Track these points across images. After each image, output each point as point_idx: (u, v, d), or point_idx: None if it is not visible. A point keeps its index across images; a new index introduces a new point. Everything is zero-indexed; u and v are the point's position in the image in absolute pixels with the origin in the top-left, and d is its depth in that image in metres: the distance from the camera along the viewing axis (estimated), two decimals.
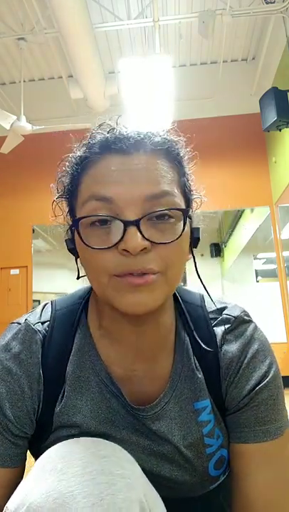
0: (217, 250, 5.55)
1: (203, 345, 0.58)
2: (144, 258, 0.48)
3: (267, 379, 0.57)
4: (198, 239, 0.57)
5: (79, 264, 0.56)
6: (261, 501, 0.54)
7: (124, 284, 0.48)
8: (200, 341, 0.59)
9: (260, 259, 5.74)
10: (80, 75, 4.19)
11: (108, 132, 0.55)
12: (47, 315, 0.61)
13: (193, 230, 0.57)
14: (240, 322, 0.61)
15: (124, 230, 0.47)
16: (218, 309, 0.63)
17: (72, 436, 0.55)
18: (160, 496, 0.52)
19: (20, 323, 0.60)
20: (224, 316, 0.61)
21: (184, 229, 0.50)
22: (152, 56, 3.63)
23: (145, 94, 3.88)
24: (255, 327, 0.61)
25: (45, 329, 0.59)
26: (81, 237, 0.50)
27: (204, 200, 0.61)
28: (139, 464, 0.55)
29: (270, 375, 0.58)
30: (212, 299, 0.64)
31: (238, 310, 0.62)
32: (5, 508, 0.45)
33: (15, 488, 0.48)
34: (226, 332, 0.60)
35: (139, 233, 0.47)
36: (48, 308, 0.63)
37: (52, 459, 0.46)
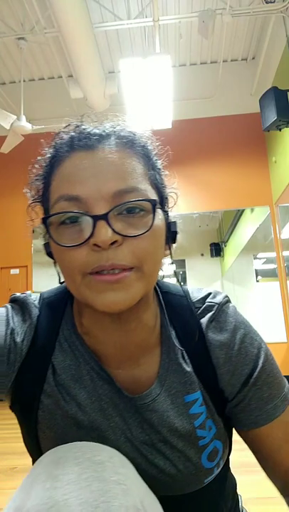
0: (217, 250, 5.55)
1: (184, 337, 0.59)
2: (116, 253, 0.47)
3: (261, 360, 0.58)
4: (176, 232, 0.57)
5: (59, 269, 0.55)
6: None
7: (97, 282, 0.48)
8: (181, 335, 0.59)
9: (260, 258, 5.74)
10: (80, 74, 4.19)
11: (74, 131, 0.54)
12: (37, 300, 0.62)
13: (170, 225, 0.56)
14: (222, 308, 0.61)
15: (94, 225, 0.46)
16: (201, 298, 0.62)
17: (69, 423, 0.56)
18: (157, 496, 0.52)
19: (22, 295, 0.62)
20: (207, 303, 0.61)
21: (153, 220, 0.49)
22: (152, 56, 3.63)
23: (145, 93, 3.88)
24: (236, 311, 0.62)
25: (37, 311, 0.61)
26: (51, 237, 0.49)
27: (177, 196, 0.60)
28: (133, 454, 0.56)
29: (262, 355, 0.59)
30: (181, 285, 0.65)
31: (219, 297, 0.62)
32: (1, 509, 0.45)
33: None
34: (209, 320, 0.60)
35: (108, 226, 0.46)
36: (37, 296, 0.63)
37: (47, 465, 0.46)
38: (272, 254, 4.88)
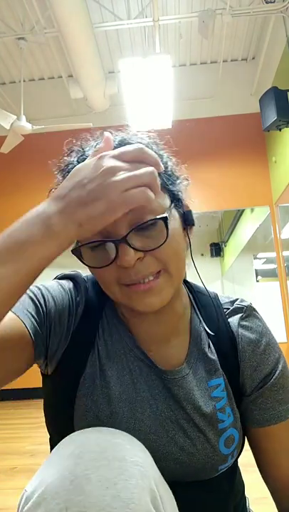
0: (217, 250, 5.55)
1: (210, 331, 0.65)
2: (142, 266, 0.53)
3: (280, 365, 0.66)
4: (193, 220, 0.61)
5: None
6: None
7: (133, 292, 0.55)
8: (208, 327, 0.66)
9: (260, 258, 5.75)
10: (80, 74, 4.19)
11: (77, 160, 0.58)
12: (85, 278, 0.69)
13: (185, 215, 0.60)
14: (252, 311, 0.69)
15: (117, 248, 0.52)
16: (230, 301, 0.70)
17: (102, 393, 0.59)
18: (168, 480, 0.54)
19: (74, 273, 0.69)
20: (236, 305, 0.69)
21: (167, 233, 0.53)
22: (152, 56, 3.63)
23: (145, 93, 3.89)
24: (261, 317, 0.70)
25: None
26: (83, 261, 0.55)
27: (189, 182, 0.63)
28: (156, 428, 0.60)
29: (282, 361, 0.66)
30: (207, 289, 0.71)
31: (246, 301, 0.71)
32: (23, 490, 0.47)
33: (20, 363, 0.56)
34: (241, 318, 0.67)
35: (129, 247, 0.51)
36: (86, 275, 0.70)
37: (69, 445, 0.48)
38: (272, 254, 4.88)
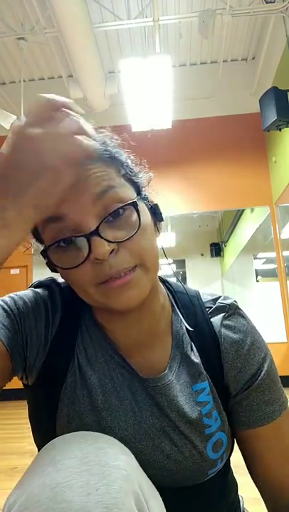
0: (217, 250, 5.55)
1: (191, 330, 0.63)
2: (116, 259, 0.51)
3: (266, 364, 0.63)
4: (161, 214, 0.60)
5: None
6: (281, 470, 0.62)
7: (110, 289, 0.52)
8: (195, 327, 0.64)
9: (260, 258, 5.75)
10: (80, 74, 4.19)
11: None
12: (62, 284, 0.67)
13: (153, 208, 0.59)
14: (235, 310, 0.66)
15: (89, 242, 0.49)
16: (212, 299, 0.67)
17: (85, 402, 0.58)
18: (159, 486, 0.53)
19: (48, 279, 0.67)
20: (218, 304, 0.66)
21: (139, 219, 0.52)
22: (152, 56, 3.63)
23: (145, 93, 3.88)
24: (245, 314, 0.67)
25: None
26: (53, 263, 0.53)
27: (151, 175, 0.62)
28: (141, 436, 0.58)
29: (268, 360, 0.64)
30: (184, 286, 0.69)
31: (229, 299, 0.67)
32: (6, 499, 0.46)
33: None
34: (224, 318, 0.64)
35: (103, 240, 0.49)
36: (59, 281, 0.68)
37: (50, 452, 0.47)
38: (272, 254, 4.88)
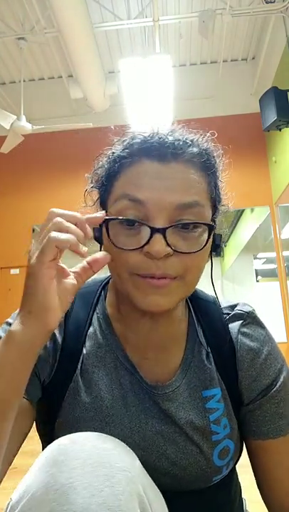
0: None
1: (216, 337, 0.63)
2: (166, 263, 0.51)
3: (282, 376, 0.62)
4: (219, 246, 0.59)
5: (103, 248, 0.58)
6: (288, 486, 0.61)
7: (144, 284, 0.52)
8: (207, 334, 0.63)
9: (260, 258, 5.75)
10: (80, 74, 4.19)
11: (149, 135, 0.55)
12: None
13: (215, 237, 0.58)
14: (253, 318, 0.65)
15: (151, 236, 0.50)
16: (230, 306, 0.67)
17: (84, 413, 0.57)
18: (162, 490, 0.52)
19: None
20: (237, 311, 0.65)
21: (207, 242, 0.53)
22: (152, 56, 3.63)
23: (145, 93, 3.89)
24: (263, 323, 0.66)
25: None
26: (109, 236, 0.52)
27: (230, 209, 0.64)
28: (145, 442, 0.58)
29: (284, 372, 0.63)
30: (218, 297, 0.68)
31: (248, 307, 0.67)
32: (9, 498, 0.46)
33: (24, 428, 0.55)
34: (242, 325, 0.64)
35: (164, 240, 0.50)
36: None
37: (54, 452, 0.47)
38: (272, 254, 4.88)
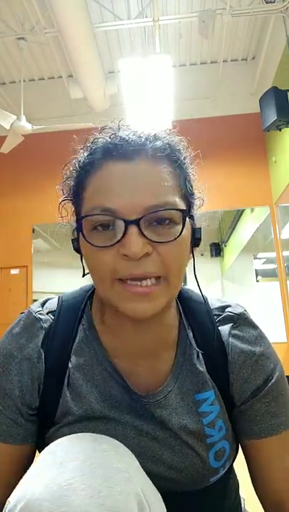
0: (217, 250, 5.54)
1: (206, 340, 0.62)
2: (145, 262, 0.50)
3: (275, 376, 0.61)
4: (200, 239, 0.59)
5: (84, 263, 0.57)
6: (281, 484, 0.60)
7: (127, 292, 0.51)
8: (197, 336, 0.63)
9: (260, 258, 5.74)
10: (80, 74, 4.19)
11: (110, 137, 0.55)
12: (53, 305, 0.65)
13: (194, 231, 0.58)
14: (245, 319, 0.64)
15: (125, 230, 0.49)
16: (220, 307, 0.65)
17: (76, 423, 0.57)
18: (160, 491, 0.52)
19: (24, 312, 0.64)
20: (227, 313, 0.64)
21: (182, 229, 0.52)
22: (152, 56, 3.63)
23: (145, 93, 3.88)
24: (255, 324, 0.65)
25: (50, 318, 0.62)
26: (84, 236, 0.52)
27: (205, 201, 0.62)
28: (141, 449, 0.57)
29: (277, 372, 0.62)
30: (204, 295, 0.67)
31: (239, 308, 0.65)
32: (7, 501, 0.46)
33: (21, 466, 0.54)
34: (233, 327, 0.63)
35: (139, 237, 0.48)
36: (55, 299, 0.66)
37: (53, 453, 0.47)
38: (272, 254, 4.88)
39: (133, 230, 0.49)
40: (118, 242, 0.49)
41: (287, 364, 4.29)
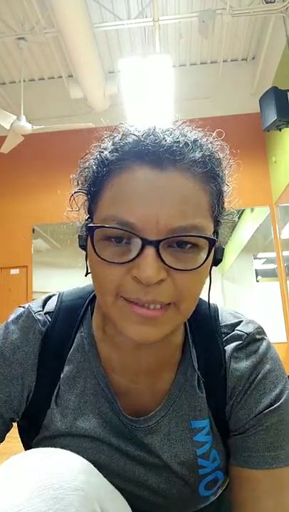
0: None
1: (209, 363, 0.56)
2: (158, 289, 0.43)
3: (278, 402, 0.53)
4: (221, 260, 0.51)
5: (88, 263, 0.51)
6: None
7: (131, 312, 0.45)
8: (206, 358, 0.56)
9: (260, 258, 5.74)
10: (80, 74, 4.19)
11: (142, 135, 0.46)
12: (52, 306, 0.59)
13: (216, 250, 0.49)
14: (252, 340, 0.56)
15: (142, 249, 0.42)
16: (231, 324, 0.57)
17: (60, 437, 0.55)
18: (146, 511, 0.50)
19: (24, 308, 0.59)
20: (236, 332, 0.56)
21: (207, 258, 0.45)
22: (152, 56, 3.63)
23: (145, 93, 3.88)
24: (269, 345, 0.57)
25: (48, 320, 0.58)
26: (94, 248, 0.45)
27: (236, 220, 0.55)
28: (126, 472, 0.54)
29: (282, 399, 0.53)
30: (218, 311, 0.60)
31: (251, 326, 0.57)
32: None
33: None
34: (235, 349, 0.55)
35: (156, 261, 0.42)
36: (55, 298, 0.61)
37: (5, 478, 0.44)
38: (272, 254, 4.88)
39: (150, 251, 0.42)
40: (131, 260, 0.43)
41: (287, 364, 4.29)
